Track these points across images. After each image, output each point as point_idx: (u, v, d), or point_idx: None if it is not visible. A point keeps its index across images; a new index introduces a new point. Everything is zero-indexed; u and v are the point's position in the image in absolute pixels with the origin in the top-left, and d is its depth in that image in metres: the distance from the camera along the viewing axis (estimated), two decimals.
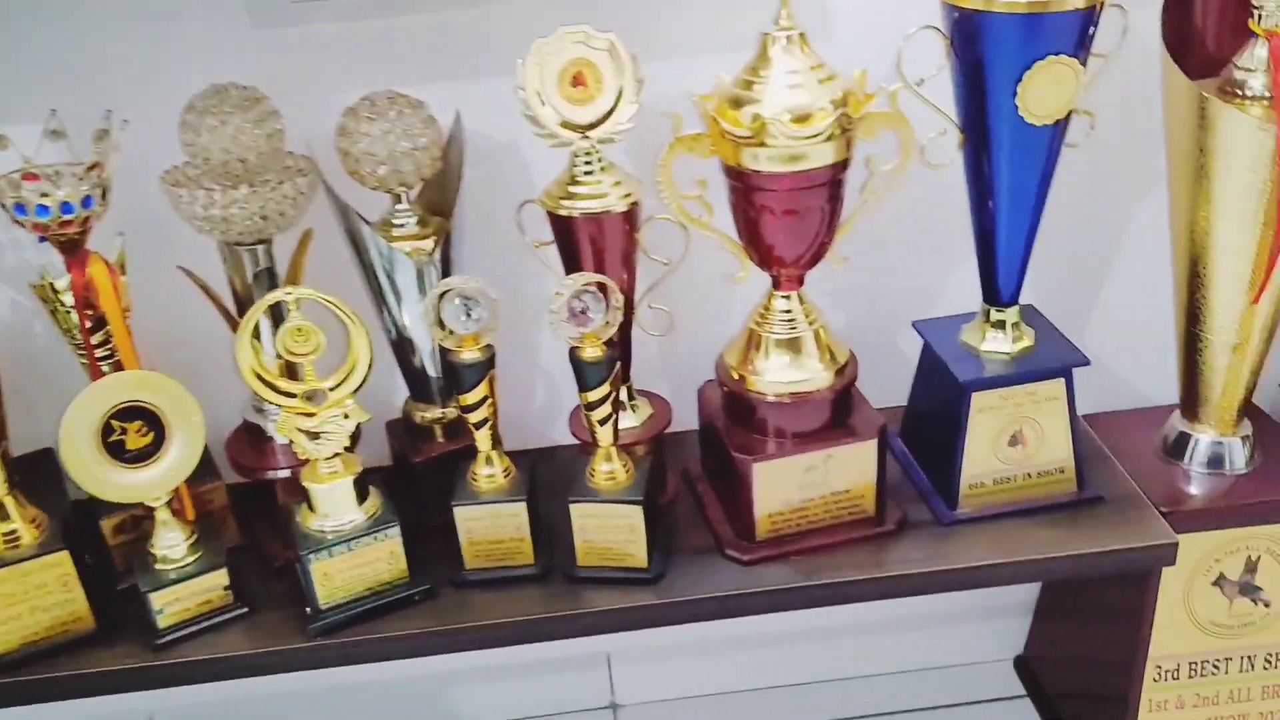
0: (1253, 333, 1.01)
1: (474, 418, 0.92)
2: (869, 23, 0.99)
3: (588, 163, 0.91)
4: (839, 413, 0.98)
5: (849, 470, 0.98)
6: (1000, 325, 1.01)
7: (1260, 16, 0.92)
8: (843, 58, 0.89)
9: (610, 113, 0.89)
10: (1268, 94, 0.93)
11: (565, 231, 0.93)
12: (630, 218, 0.94)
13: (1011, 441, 1.01)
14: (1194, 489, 1.08)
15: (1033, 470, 1.02)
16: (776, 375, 0.96)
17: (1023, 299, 1.02)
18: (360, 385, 0.90)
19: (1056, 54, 0.85)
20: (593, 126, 0.89)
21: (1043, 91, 0.86)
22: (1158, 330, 1.10)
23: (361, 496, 0.93)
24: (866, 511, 1.00)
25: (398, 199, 0.94)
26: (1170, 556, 1.00)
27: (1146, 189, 1.12)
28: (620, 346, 0.97)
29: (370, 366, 0.90)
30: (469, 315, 0.88)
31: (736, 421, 0.99)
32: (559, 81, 0.88)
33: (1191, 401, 1.08)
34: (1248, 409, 1.08)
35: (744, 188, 0.89)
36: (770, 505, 0.97)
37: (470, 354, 0.90)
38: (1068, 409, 1.01)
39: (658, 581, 0.95)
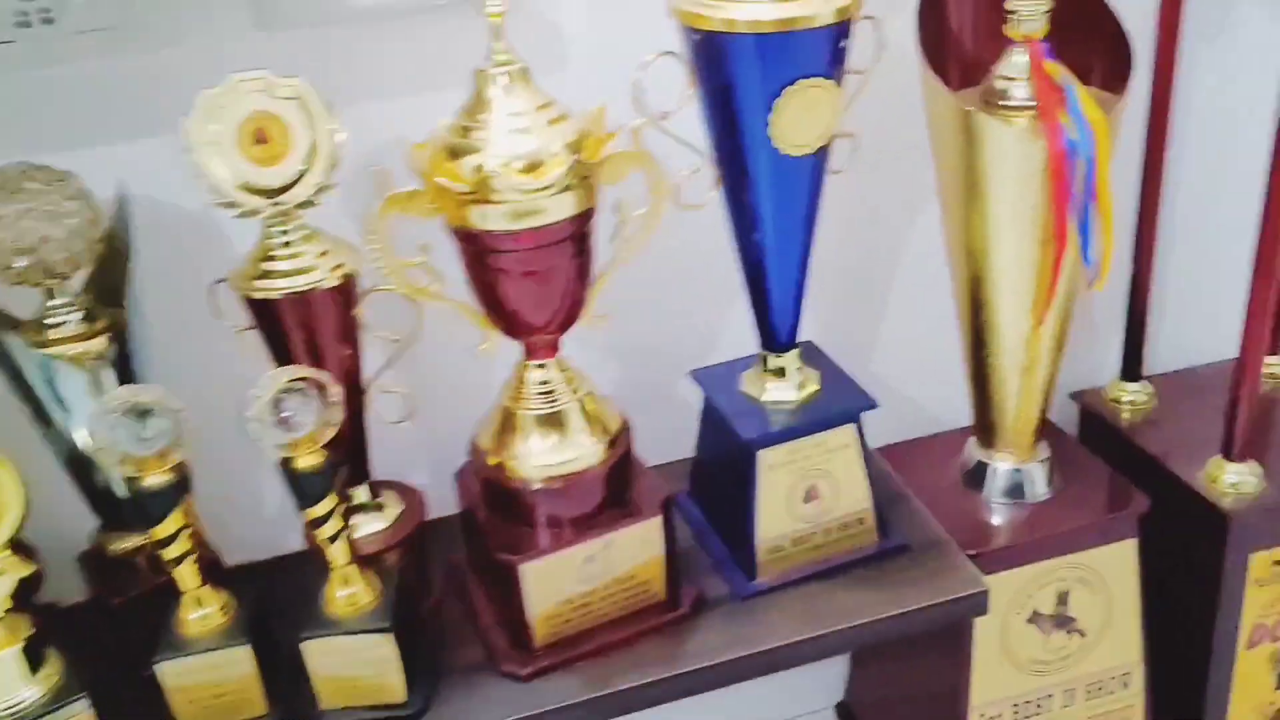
0: (1041, 354, 0.95)
1: (170, 553, 0.75)
2: (609, 50, 0.88)
3: (284, 232, 0.76)
4: (616, 490, 0.86)
5: (633, 553, 0.86)
6: (780, 372, 0.91)
7: (1017, 21, 0.85)
8: (581, 92, 0.77)
9: (304, 173, 0.74)
10: (1032, 103, 0.87)
11: (267, 315, 0.77)
12: (345, 292, 0.79)
13: (806, 497, 0.92)
14: (998, 521, 1.02)
15: (832, 525, 0.93)
16: (540, 458, 0.83)
17: (805, 333, 0.93)
18: (14, 535, 0.71)
19: (808, 76, 0.76)
20: (283, 190, 0.74)
21: (797, 118, 0.77)
22: (947, 353, 1.04)
23: (36, 664, 0.74)
24: (657, 595, 0.89)
25: (50, 294, 0.77)
26: (982, 606, 0.92)
27: (921, 208, 1.05)
28: (350, 443, 0.82)
29: (25, 510, 0.71)
30: (145, 433, 0.71)
31: (499, 514, 0.85)
32: (238, 139, 0.73)
33: (986, 428, 1.02)
34: (1043, 429, 1.02)
35: (474, 250, 0.76)
36: (546, 606, 0.84)
37: (156, 479, 0.73)
38: (861, 455, 0.92)
39: (420, 718, 0.81)
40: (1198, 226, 1.18)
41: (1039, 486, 1.02)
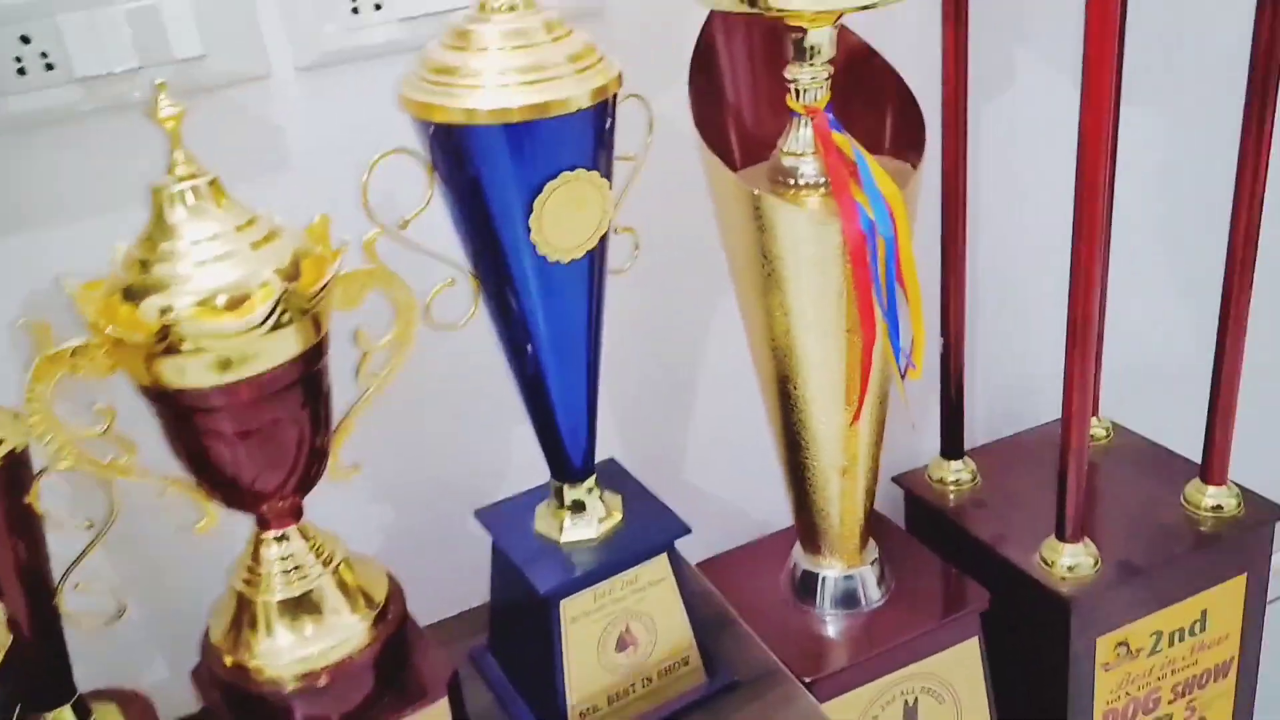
0: (859, 450, 0.87)
1: None
2: (340, 149, 0.75)
3: None
4: (390, 672, 0.71)
5: None
6: (578, 506, 0.78)
7: (798, 93, 0.77)
8: (304, 200, 0.64)
9: None
10: (823, 179, 0.78)
11: None
12: (10, 475, 0.61)
13: (619, 645, 0.79)
14: (832, 635, 0.92)
15: (652, 673, 0.81)
16: (289, 653, 0.67)
17: (605, 449, 0.81)
18: None
19: (570, 169, 0.64)
20: None
21: (563, 217, 0.65)
22: (764, 451, 0.94)
23: None
24: None
25: None
26: None
27: (717, 302, 0.95)
28: (39, 659, 0.64)
29: None
30: None
31: None
32: None
33: (810, 534, 0.92)
34: (870, 527, 0.93)
35: (173, 412, 0.60)
36: None
37: None
38: (677, 588, 0.80)
39: None
40: (1003, 290, 1.14)
41: (872, 592, 0.93)
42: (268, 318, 0.58)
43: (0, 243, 0.61)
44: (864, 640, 0.90)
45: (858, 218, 0.75)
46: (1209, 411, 0.99)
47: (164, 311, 0.57)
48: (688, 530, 0.79)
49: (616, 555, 0.78)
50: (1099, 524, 0.99)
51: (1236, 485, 1.01)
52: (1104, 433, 1.13)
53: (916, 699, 0.92)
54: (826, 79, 0.77)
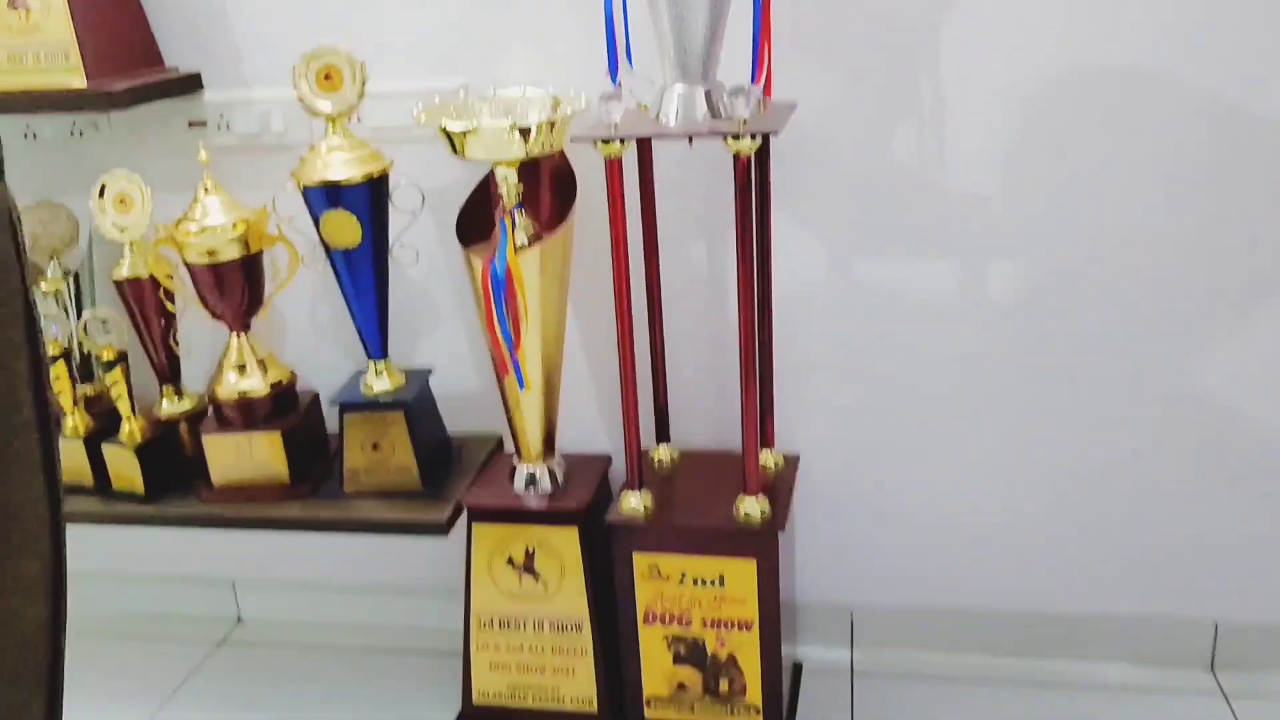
0: (525, 403, 1.60)
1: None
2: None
3: None
4: (279, 410, 1.66)
5: None
6: (378, 371, 1.65)
7: (498, 198, 1.55)
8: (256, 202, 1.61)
9: None
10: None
11: None
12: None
13: (374, 447, 1.64)
14: (508, 493, 1.64)
15: (389, 474, 1.64)
16: (233, 388, 1.65)
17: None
18: None
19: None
20: None
21: (335, 230, 1.53)
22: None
23: None
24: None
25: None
26: (441, 530, 1.58)
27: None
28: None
29: None
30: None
31: None
32: None
33: (516, 445, 1.66)
34: (549, 449, 1.64)
35: (191, 270, 1.61)
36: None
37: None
38: (407, 426, 1.62)
39: None
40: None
41: (545, 484, 1.64)
42: (236, 243, 1.56)
43: None
44: (519, 501, 1.62)
45: (489, 271, 1.51)
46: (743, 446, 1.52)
47: (197, 234, 1.57)
48: (431, 372, 1.62)
49: (380, 396, 1.63)
50: (672, 499, 1.57)
51: (774, 496, 1.51)
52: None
53: (535, 548, 1.62)
54: (513, 190, 1.52)
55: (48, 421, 0.60)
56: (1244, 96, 1.44)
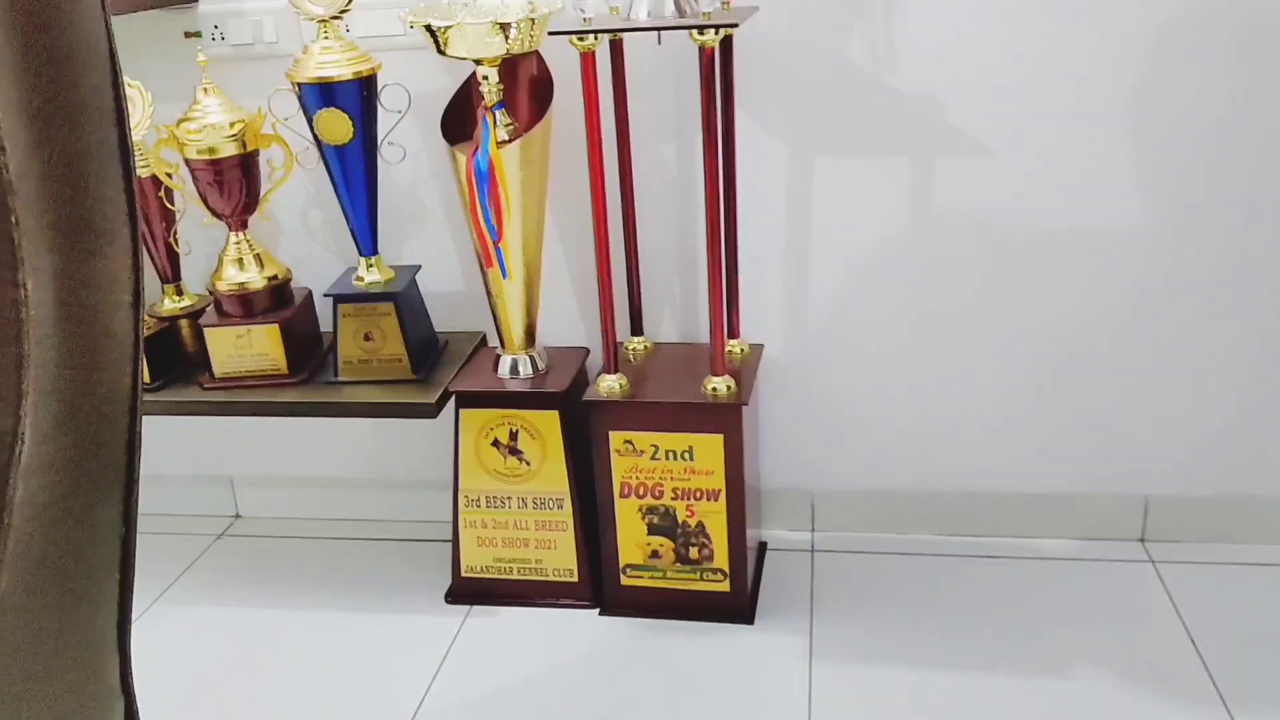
0: (516, 294, 1.71)
1: None
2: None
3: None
4: (272, 303, 1.77)
5: None
6: (368, 267, 1.76)
7: (481, 96, 1.65)
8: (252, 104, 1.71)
9: None
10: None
11: None
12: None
13: (366, 338, 1.75)
14: (495, 378, 1.76)
15: (380, 361, 1.75)
16: (230, 280, 1.75)
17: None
18: None
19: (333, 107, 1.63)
20: None
21: (327, 128, 1.64)
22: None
23: None
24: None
25: None
26: (431, 412, 1.70)
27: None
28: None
29: None
30: None
31: None
32: None
33: (500, 338, 1.78)
34: (530, 340, 1.76)
35: (192, 169, 1.71)
36: None
37: None
38: (398, 316, 1.74)
39: None
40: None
41: (526, 370, 1.76)
42: (234, 141, 1.66)
43: None
44: (503, 385, 1.74)
45: (472, 165, 1.61)
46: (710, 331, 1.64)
47: (196, 131, 1.67)
48: (419, 268, 1.73)
49: (372, 288, 1.74)
50: (645, 382, 1.70)
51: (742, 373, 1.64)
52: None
53: (519, 430, 1.74)
54: (494, 88, 1.62)
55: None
56: None
